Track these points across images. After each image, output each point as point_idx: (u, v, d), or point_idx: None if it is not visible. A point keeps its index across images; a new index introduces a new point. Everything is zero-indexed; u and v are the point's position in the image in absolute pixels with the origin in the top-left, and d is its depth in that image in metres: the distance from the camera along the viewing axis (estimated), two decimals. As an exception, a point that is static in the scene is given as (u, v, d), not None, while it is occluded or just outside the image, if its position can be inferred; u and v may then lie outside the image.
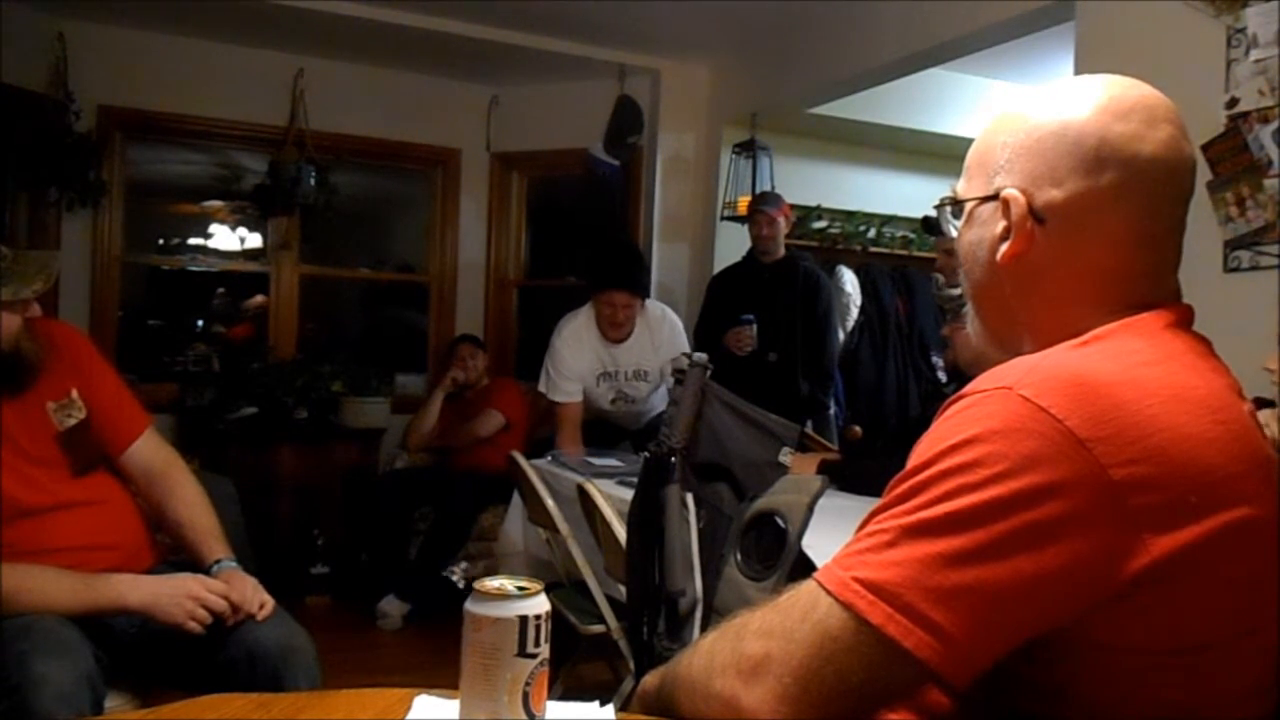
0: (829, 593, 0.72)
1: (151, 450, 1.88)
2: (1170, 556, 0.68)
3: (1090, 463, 0.68)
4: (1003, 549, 0.68)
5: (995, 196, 0.85)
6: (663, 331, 3.48)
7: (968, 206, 0.89)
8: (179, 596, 1.61)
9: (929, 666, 0.68)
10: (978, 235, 0.88)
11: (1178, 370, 0.76)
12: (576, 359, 3.42)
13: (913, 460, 0.75)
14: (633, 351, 3.45)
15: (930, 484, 0.71)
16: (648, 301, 3.54)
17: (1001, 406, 0.71)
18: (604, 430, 3.60)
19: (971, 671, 0.70)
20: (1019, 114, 0.86)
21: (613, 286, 3.34)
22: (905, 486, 0.73)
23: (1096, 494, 0.68)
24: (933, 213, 0.98)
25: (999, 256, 0.85)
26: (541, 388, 3.48)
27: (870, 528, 0.74)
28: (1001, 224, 0.85)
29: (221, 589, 1.65)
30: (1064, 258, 0.83)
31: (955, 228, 0.92)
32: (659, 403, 3.55)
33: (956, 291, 0.97)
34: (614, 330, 3.38)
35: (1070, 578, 0.68)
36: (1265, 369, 1.66)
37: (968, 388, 0.76)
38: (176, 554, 1.84)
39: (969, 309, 0.94)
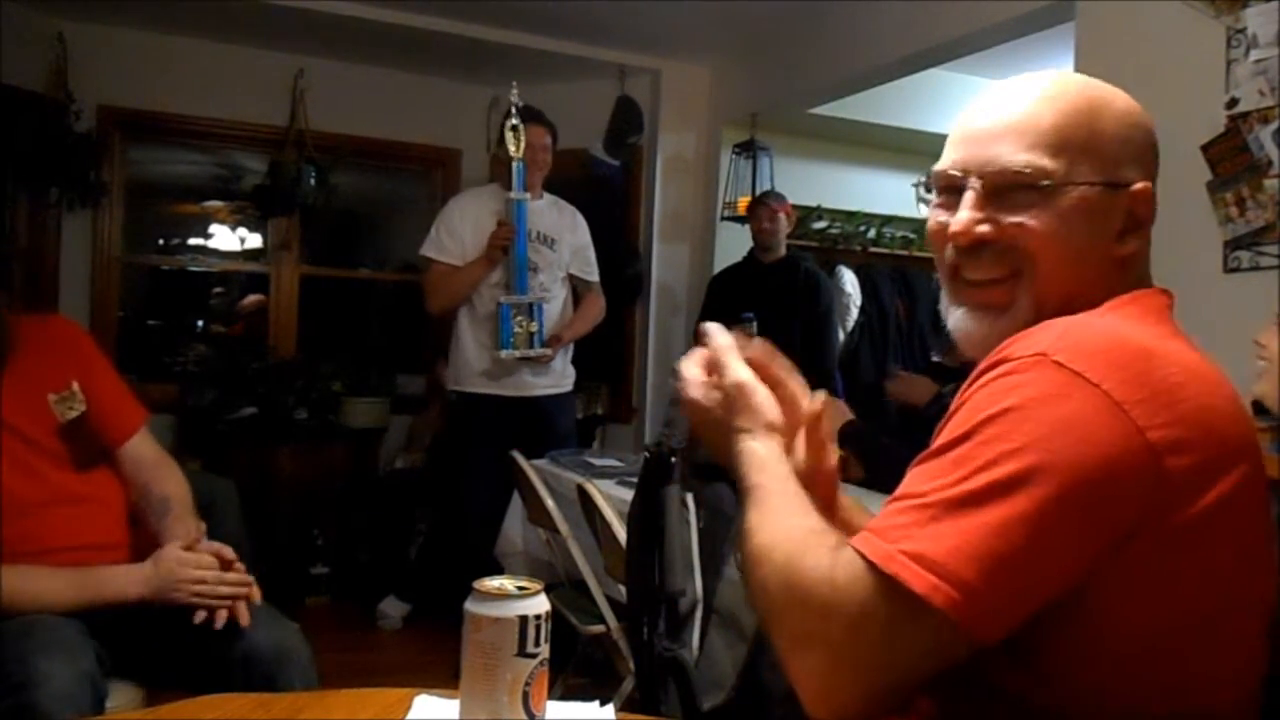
0: (872, 564, 0.70)
1: (148, 445, 1.89)
2: (1198, 516, 0.71)
3: (1129, 425, 0.69)
4: (1046, 514, 0.68)
5: (1123, 185, 0.84)
6: (575, 219, 3.51)
7: (1077, 191, 0.82)
8: (174, 580, 1.61)
9: (964, 628, 0.68)
10: (1084, 223, 0.83)
11: (1185, 347, 0.79)
12: (470, 214, 3.34)
13: (952, 431, 0.74)
14: (542, 216, 3.40)
15: (972, 455, 0.71)
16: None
17: (1038, 374, 0.72)
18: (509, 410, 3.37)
19: (1005, 629, 0.70)
20: (1104, 99, 0.85)
21: (528, 120, 3.30)
22: (947, 459, 0.72)
23: (1135, 455, 0.69)
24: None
25: (1120, 251, 0.84)
26: (422, 251, 3.41)
27: (913, 502, 0.72)
28: (1122, 216, 0.84)
29: (210, 560, 1.65)
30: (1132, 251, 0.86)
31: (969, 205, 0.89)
32: (565, 377, 3.48)
33: None
34: (531, 172, 3.29)
35: (1109, 538, 0.70)
36: (1255, 342, 1.66)
37: (1003, 354, 0.75)
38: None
39: (1022, 296, 0.85)
